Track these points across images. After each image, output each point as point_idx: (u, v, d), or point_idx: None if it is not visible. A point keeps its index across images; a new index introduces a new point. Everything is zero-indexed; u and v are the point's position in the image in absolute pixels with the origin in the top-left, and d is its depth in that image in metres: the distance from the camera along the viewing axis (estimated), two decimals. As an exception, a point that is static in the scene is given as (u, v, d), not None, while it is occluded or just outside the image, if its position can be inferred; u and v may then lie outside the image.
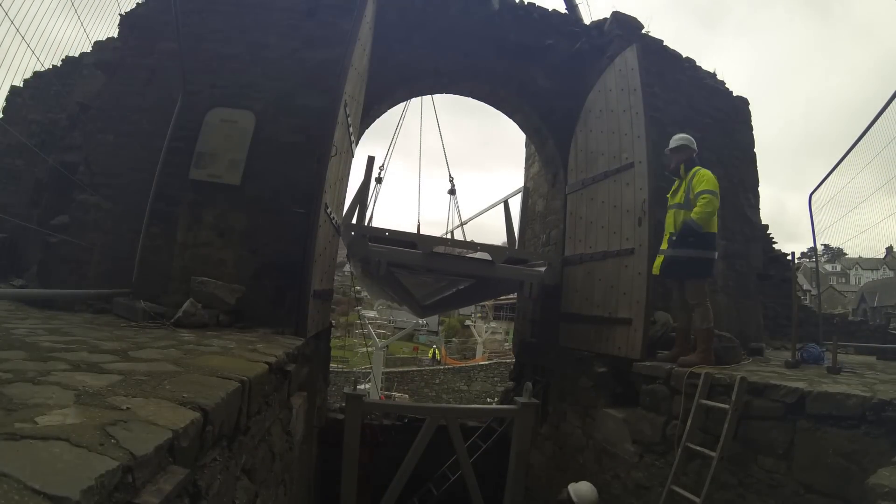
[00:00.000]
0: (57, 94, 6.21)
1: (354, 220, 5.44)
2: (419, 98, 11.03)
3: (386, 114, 6.97)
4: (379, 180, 10.69)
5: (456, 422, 5.33)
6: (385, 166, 10.95)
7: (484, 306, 36.44)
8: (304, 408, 3.85)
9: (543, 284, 5.32)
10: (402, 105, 9.71)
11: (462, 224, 11.30)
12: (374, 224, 9.83)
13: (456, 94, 6.86)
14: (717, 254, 4.25)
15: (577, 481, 3.99)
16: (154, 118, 4.72)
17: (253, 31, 5.11)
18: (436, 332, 30.55)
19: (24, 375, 1.61)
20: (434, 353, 28.07)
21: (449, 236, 11.60)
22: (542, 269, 5.35)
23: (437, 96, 8.21)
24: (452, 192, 11.29)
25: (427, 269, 5.25)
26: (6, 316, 3.30)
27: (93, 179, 4.68)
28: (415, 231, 9.05)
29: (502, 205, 7.06)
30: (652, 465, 3.97)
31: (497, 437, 6.44)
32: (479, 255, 5.61)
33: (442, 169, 11.51)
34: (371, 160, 7.04)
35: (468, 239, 11.39)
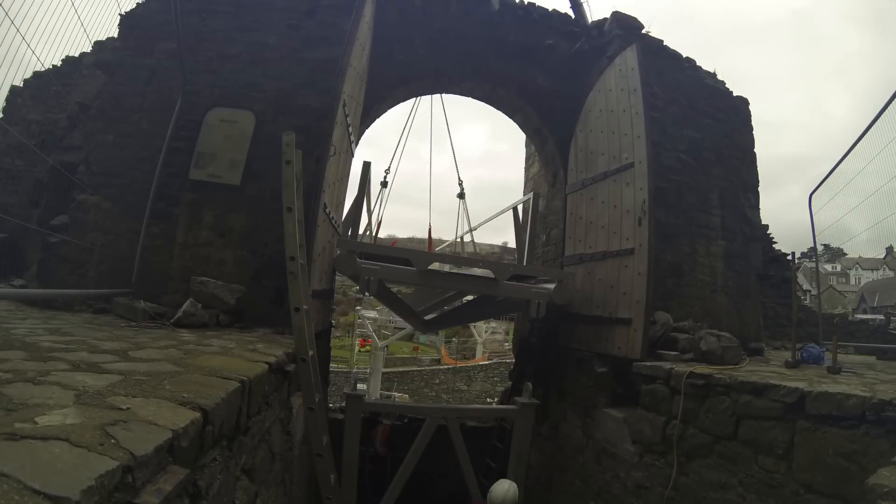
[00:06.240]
0: (57, 94, 6.21)
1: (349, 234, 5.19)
2: (427, 99, 10.96)
3: (395, 115, 6.94)
4: (384, 184, 10.54)
5: (456, 422, 5.33)
6: (393, 169, 10.69)
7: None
8: (304, 408, 3.85)
9: (553, 304, 4.90)
10: (409, 105, 9.64)
11: (471, 230, 11.23)
12: (382, 230, 9.76)
13: (456, 94, 6.86)
14: None
15: (576, 481, 3.98)
16: (154, 118, 4.73)
17: (253, 31, 5.12)
18: (436, 332, 30.47)
19: (24, 375, 1.61)
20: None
21: (459, 241, 11.55)
22: (552, 286, 4.96)
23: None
24: (462, 195, 11.10)
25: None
26: (6, 316, 3.30)
27: (93, 179, 4.68)
28: (421, 236, 8.97)
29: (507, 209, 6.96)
30: (652, 465, 3.97)
31: (497, 436, 6.44)
32: (480, 271, 5.22)
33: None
34: (367, 166, 6.92)
35: (477, 243, 11.33)
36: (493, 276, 4.85)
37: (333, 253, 4.93)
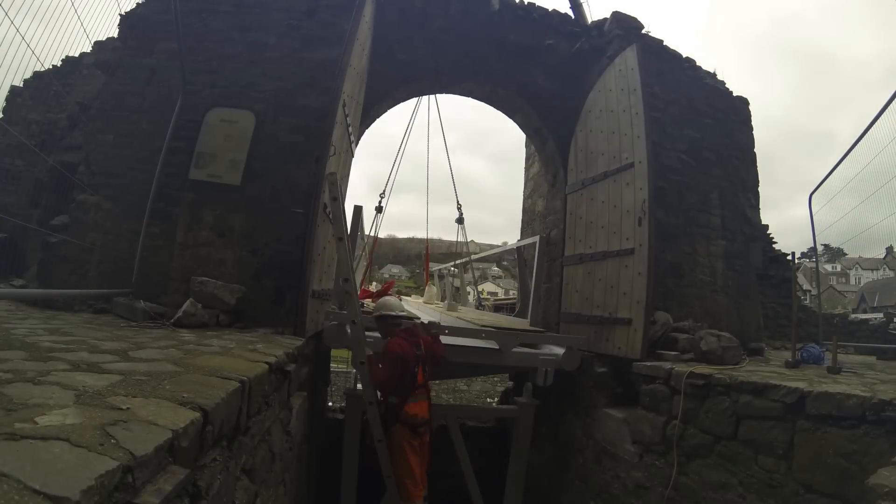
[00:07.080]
0: (57, 94, 6.22)
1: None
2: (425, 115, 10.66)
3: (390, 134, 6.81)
4: (379, 209, 9.81)
5: (456, 421, 5.32)
6: (387, 192, 9.93)
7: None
8: (304, 408, 3.85)
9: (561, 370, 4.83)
10: (406, 119, 9.54)
11: (471, 260, 10.95)
12: (382, 230, 9.50)
13: (456, 94, 6.86)
14: None
15: (576, 481, 3.98)
16: (154, 118, 4.73)
17: (253, 31, 5.12)
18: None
19: (24, 375, 1.61)
20: None
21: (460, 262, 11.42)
22: (561, 350, 4.95)
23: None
24: (460, 220, 10.29)
25: None
26: (6, 316, 3.30)
27: (93, 179, 4.68)
28: (420, 236, 8.79)
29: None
30: (652, 465, 3.97)
31: (497, 436, 6.43)
32: (484, 343, 4.95)
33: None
34: (358, 210, 6.57)
35: (478, 243, 11.18)
36: (497, 347, 4.76)
37: (334, 252, 4.92)
